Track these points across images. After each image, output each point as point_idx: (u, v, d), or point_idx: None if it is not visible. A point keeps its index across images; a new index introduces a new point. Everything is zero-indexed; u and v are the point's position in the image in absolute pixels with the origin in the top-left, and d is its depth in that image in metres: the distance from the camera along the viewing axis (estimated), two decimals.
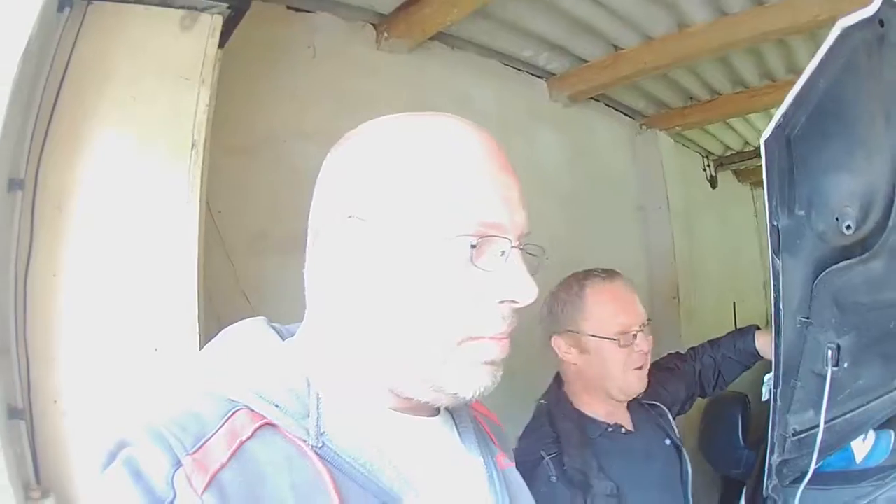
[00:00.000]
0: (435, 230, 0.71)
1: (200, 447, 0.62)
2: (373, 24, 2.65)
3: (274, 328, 0.82)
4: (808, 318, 1.47)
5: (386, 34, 2.63)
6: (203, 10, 1.72)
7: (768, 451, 1.65)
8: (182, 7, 1.68)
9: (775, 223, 1.38)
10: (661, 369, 2.10)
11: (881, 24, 1.07)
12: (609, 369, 1.79)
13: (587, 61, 3.15)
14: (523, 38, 2.97)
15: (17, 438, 1.33)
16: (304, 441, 0.68)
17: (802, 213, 1.36)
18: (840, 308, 1.43)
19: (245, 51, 2.16)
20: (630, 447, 1.82)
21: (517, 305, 0.74)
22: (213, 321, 1.68)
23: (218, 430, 0.65)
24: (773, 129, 1.25)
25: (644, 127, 4.00)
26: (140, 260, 1.56)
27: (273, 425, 0.68)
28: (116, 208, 1.56)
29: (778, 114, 1.23)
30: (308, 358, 0.76)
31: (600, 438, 1.78)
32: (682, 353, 2.26)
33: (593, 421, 1.82)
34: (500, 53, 3.10)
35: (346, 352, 0.76)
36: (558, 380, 1.96)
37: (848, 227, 1.29)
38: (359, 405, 0.75)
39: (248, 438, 0.65)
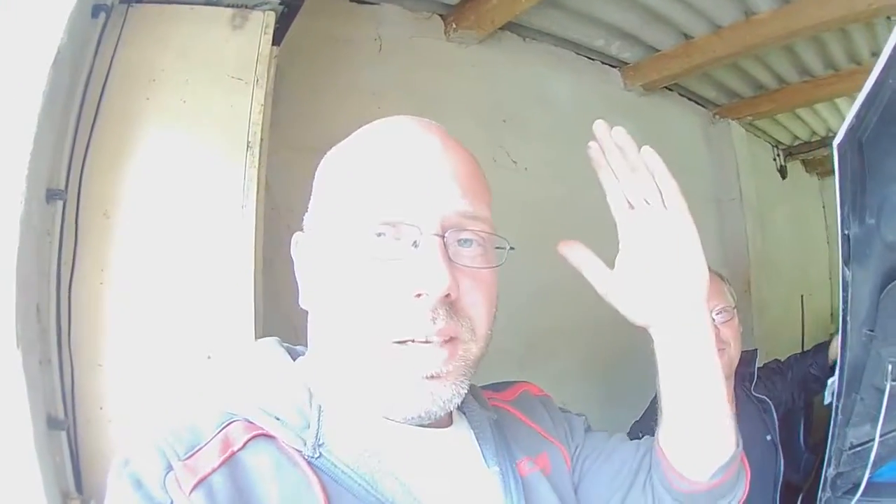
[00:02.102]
0: (340, 228, 0.69)
1: (192, 455, 0.62)
2: (440, 16, 2.53)
3: (285, 347, 0.80)
4: (872, 330, 1.37)
5: (454, 25, 2.51)
6: (254, 7, 1.61)
7: (825, 463, 1.56)
8: (231, 5, 1.55)
9: (846, 232, 1.25)
10: (770, 370, 2.07)
11: None
12: None
13: (659, 50, 2.96)
14: (594, 28, 2.79)
15: (57, 448, 1.26)
16: (300, 452, 0.66)
17: (873, 221, 1.24)
18: None
19: (308, 46, 2.03)
20: None
21: (430, 298, 0.65)
22: (278, 321, 1.59)
23: (211, 439, 0.64)
24: (845, 132, 1.11)
25: (717, 117, 3.77)
26: (193, 266, 1.47)
27: (269, 436, 0.66)
28: (167, 214, 1.47)
29: (849, 115, 1.09)
30: (311, 372, 0.74)
31: None
32: (781, 360, 2.20)
33: None
34: (572, 43, 2.92)
35: (325, 363, 0.74)
36: None
37: None
38: (361, 417, 0.70)
39: (240, 448, 0.64)
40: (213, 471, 0.61)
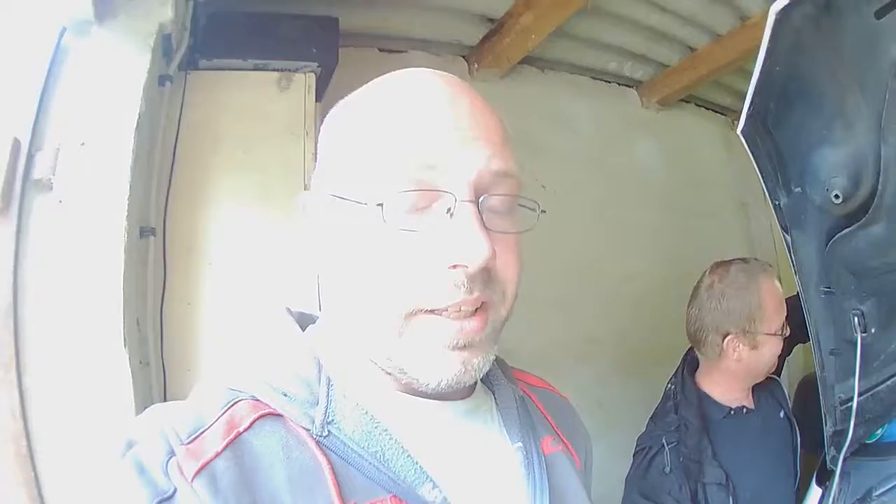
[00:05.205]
0: (362, 191, 0.63)
1: (195, 438, 0.59)
2: (463, 57, 2.78)
3: (295, 314, 0.77)
4: (829, 287, 1.40)
5: (476, 65, 2.77)
6: (296, 71, 1.90)
7: (824, 422, 1.56)
8: (276, 70, 1.84)
9: (776, 202, 1.34)
10: None
11: None
12: (769, 360, 1.76)
13: (668, 66, 3.14)
14: (605, 52, 3.02)
15: None
16: (308, 431, 0.63)
17: (799, 189, 1.31)
18: (855, 274, 1.36)
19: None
20: (749, 426, 1.80)
21: (469, 270, 0.61)
22: None
23: (216, 421, 0.61)
24: (745, 120, 1.22)
25: (735, 122, 3.81)
26: (266, 288, 1.73)
27: (277, 415, 0.64)
28: (242, 249, 1.76)
29: (745, 105, 1.20)
30: (324, 347, 0.71)
31: (722, 422, 1.77)
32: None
33: (717, 405, 1.80)
34: (588, 69, 3.15)
35: (338, 333, 0.71)
36: (689, 362, 1.92)
37: (836, 196, 1.23)
38: (372, 390, 0.68)
39: (245, 429, 0.61)
40: (217, 455, 0.58)
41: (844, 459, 1.51)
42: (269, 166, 1.81)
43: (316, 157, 1.82)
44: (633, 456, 1.80)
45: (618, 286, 2.99)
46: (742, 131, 1.22)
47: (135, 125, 1.47)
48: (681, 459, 1.64)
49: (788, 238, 1.37)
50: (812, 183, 1.27)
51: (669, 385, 1.91)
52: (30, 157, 1.43)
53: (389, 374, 0.66)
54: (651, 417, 1.87)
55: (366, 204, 0.62)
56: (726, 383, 1.81)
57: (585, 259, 2.83)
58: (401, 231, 0.61)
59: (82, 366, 1.39)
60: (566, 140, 2.99)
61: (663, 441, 1.69)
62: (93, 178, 1.44)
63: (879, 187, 1.17)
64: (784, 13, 1.03)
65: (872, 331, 1.39)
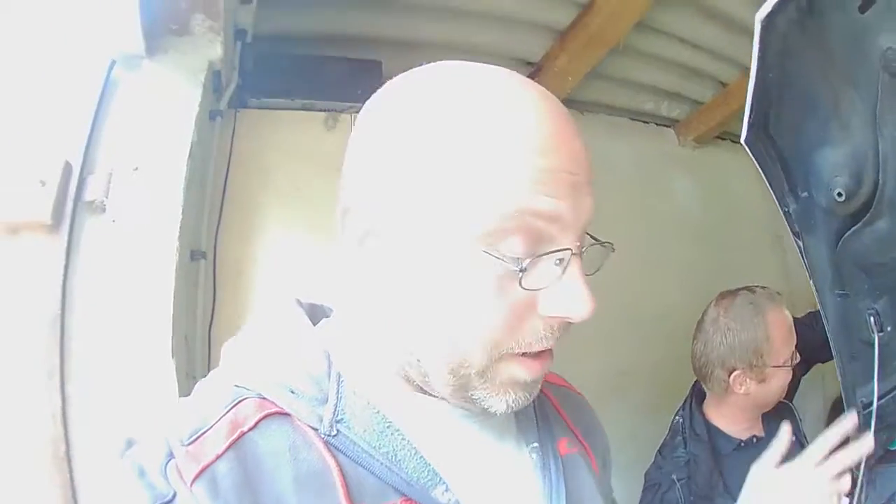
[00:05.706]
0: (471, 243, 0.56)
1: (196, 439, 0.57)
2: None
3: (306, 307, 0.74)
4: (843, 290, 1.38)
5: None
6: (342, 111, 2.01)
7: None
8: (322, 110, 1.95)
9: (786, 209, 1.34)
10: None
11: None
12: (777, 391, 1.73)
13: (702, 102, 3.17)
14: (641, 92, 3.08)
15: None
16: (316, 430, 0.60)
17: (806, 194, 1.30)
18: (866, 272, 1.35)
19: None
20: (759, 455, 1.74)
21: (569, 321, 0.59)
22: None
23: (219, 420, 0.59)
24: (747, 130, 1.23)
25: None
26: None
27: (284, 414, 0.61)
28: (289, 275, 1.87)
29: (746, 115, 1.20)
30: (335, 341, 0.67)
31: (732, 454, 1.75)
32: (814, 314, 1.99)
33: (727, 437, 1.77)
34: (625, 109, 3.20)
35: (376, 349, 0.66)
36: (697, 393, 1.90)
37: (839, 194, 1.23)
38: (384, 388, 0.65)
39: (250, 429, 0.58)
40: (218, 457, 0.55)
41: (870, 469, 1.43)
42: (316, 199, 1.91)
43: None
44: (643, 491, 1.76)
45: (653, 321, 2.99)
46: (745, 140, 1.23)
47: (188, 153, 1.56)
48: (692, 498, 1.63)
49: (801, 243, 1.36)
50: (816, 185, 1.27)
51: (677, 417, 1.87)
52: (81, 180, 1.50)
53: (444, 399, 0.64)
54: (658, 450, 1.84)
55: (481, 252, 0.55)
56: (734, 416, 1.78)
57: (624, 296, 2.83)
58: (513, 286, 0.56)
59: (128, 376, 1.43)
60: (607, 181, 2.93)
61: (673, 478, 1.66)
62: (146, 201, 1.52)
63: (880, 182, 1.17)
64: (769, 20, 1.05)
65: (888, 329, 1.37)
